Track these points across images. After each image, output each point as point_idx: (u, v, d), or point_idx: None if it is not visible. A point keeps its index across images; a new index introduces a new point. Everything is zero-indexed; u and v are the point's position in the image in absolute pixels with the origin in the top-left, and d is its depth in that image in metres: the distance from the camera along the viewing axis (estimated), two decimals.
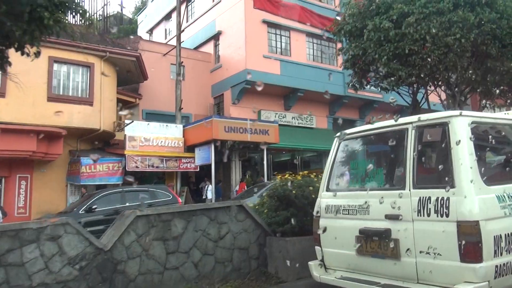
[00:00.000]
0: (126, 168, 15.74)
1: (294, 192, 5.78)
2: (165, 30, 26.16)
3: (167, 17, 25.63)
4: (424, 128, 3.70)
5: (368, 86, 12.05)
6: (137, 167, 16.10)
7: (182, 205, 6.26)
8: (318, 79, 20.16)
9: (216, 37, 21.31)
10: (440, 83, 10.34)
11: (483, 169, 3.44)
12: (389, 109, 20.41)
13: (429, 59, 8.83)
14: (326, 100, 21.35)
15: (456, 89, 10.11)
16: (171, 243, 5.27)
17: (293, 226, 5.75)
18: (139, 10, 32.68)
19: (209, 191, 15.81)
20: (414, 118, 3.78)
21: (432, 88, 11.00)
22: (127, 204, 12.18)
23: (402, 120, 3.90)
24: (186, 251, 5.37)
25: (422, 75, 9.34)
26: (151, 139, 16.62)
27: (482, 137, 3.72)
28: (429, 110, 9.81)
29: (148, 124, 17.12)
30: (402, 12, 9.30)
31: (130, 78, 18.50)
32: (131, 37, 21.84)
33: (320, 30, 17.08)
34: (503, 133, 3.94)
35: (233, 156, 18.92)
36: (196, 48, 22.43)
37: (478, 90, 10.42)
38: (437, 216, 3.33)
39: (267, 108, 20.34)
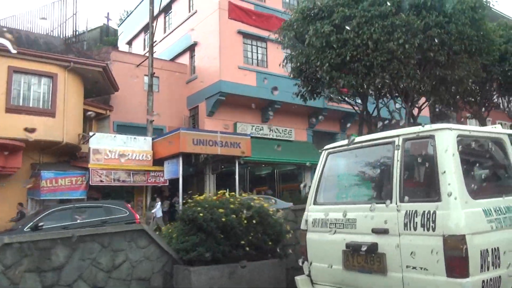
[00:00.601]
0: (90, 182, 15.12)
1: (201, 214, 5.12)
2: (144, 41, 25.78)
3: (146, 28, 25.23)
4: (411, 141, 3.68)
5: (318, 97, 11.41)
6: (101, 181, 15.45)
7: (68, 231, 5.58)
8: (296, 91, 19.60)
9: (191, 48, 20.88)
10: (394, 93, 9.64)
11: (469, 183, 3.43)
12: (371, 122, 19.74)
13: (374, 70, 8.17)
14: (305, 112, 20.74)
15: (411, 104, 9.39)
16: (50, 275, 4.59)
17: (200, 253, 5.08)
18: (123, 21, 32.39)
19: (158, 209, 15.04)
20: (401, 131, 3.75)
21: (387, 97, 10.31)
22: (78, 221, 11.56)
23: (389, 133, 3.88)
24: (68, 284, 4.69)
25: (371, 86, 8.67)
26: (116, 152, 15.98)
27: (468, 151, 3.71)
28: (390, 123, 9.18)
29: (114, 136, 16.49)
30: (344, 16, 8.68)
31: (101, 89, 17.95)
32: (102, 47, 21.37)
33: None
34: (490, 147, 3.91)
35: (206, 169, 18.26)
36: (172, 59, 21.96)
37: (430, 100, 9.73)
38: (424, 230, 3.30)
39: (243, 121, 19.74)
